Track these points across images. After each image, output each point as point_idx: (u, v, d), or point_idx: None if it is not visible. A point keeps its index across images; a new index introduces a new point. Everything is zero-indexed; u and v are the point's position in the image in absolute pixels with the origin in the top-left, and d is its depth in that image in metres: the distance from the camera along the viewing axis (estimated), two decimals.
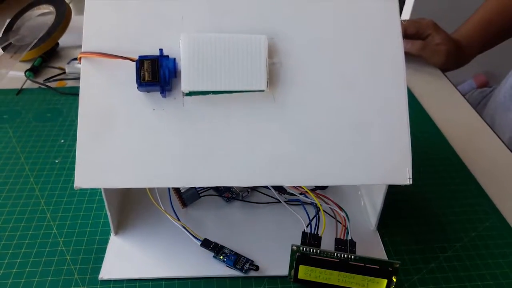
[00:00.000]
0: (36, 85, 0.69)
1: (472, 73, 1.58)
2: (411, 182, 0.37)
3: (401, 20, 0.41)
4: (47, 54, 0.74)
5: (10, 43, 0.73)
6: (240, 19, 0.38)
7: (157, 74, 0.35)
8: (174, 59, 0.37)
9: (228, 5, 0.39)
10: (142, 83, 0.35)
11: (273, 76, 0.38)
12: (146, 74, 0.35)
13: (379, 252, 0.43)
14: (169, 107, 0.37)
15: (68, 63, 0.71)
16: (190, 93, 0.37)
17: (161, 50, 0.37)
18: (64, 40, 0.76)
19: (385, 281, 0.38)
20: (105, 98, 0.37)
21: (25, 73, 0.70)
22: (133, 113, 0.37)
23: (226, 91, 0.37)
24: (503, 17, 0.77)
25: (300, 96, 0.38)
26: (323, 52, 0.39)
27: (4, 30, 0.77)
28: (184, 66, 0.36)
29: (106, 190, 0.40)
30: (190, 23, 0.38)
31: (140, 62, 0.36)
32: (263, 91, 0.38)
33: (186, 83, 0.36)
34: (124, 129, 0.37)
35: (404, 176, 0.38)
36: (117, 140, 0.37)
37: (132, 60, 0.36)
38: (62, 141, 0.57)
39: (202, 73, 0.36)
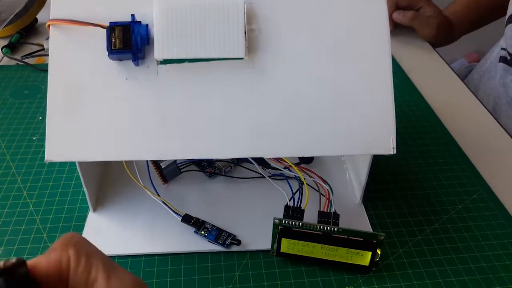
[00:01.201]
0: (13, 62, 0.67)
1: (464, 52, 1.57)
2: (395, 152, 0.36)
3: None
4: (25, 30, 0.72)
5: None
6: None
7: (128, 41, 0.34)
8: (147, 25, 0.35)
9: None
10: (113, 50, 0.34)
11: (252, 43, 0.36)
12: (117, 41, 0.34)
13: (364, 225, 0.43)
14: (143, 76, 0.35)
15: (47, 39, 0.69)
16: (165, 61, 0.35)
17: (133, 16, 0.35)
18: (43, 16, 0.74)
19: (370, 253, 0.37)
20: (75, 67, 0.36)
21: (1, 49, 0.67)
22: (105, 82, 0.35)
23: (202, 59, 0.35)
24: None
25: (281, 65, 0.37)
26: (304, 19, 0.37)
27: None
28: (157, 33, 0.34)
29: (81, 164, 0.39)
30: None
31: (111, 28, 0.34)
32: (241, 59, 0.36)
33: (159, 50, 0.34)
34: (96, 100, 0.35)
35: (388, 145, 0.37)
36: (89, 112, 0.35)
37: (102, 27, 0.34)
38: (40, 118, 0.56)
39: (176, 40, 0.34)
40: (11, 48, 0.68)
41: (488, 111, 0.59)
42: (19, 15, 0.70)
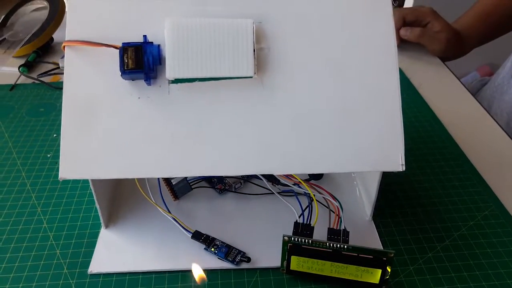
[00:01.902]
0: (30, 80, 0.68)
1: (476, 65, 1.56)
2: (403, 168, 0.36)
3: (393, 5, 0.40)
4: (42, 49, 0.74)
5: (4, 38, 0.73)
6: (226, 2, 0.37)
7: (141, 61, 0.34)
8: (159, 45, 0.36)
9: None
10: (126, 70, 0.35)
11: (261, 62, 0.37)
12: (130, 61, 0.34)
13: (374, 242, 0.42)
14: (155, 95, 0.36)
15: (62, 57, 0.70)
16: (176, 81, 0.36)
17: (145, 36, 0.36)
18: (58, 35, 0.76)
19: (379, 271, 0.37)
20: (89, 87, 0.37)
21: (19, 68, 0.69)
22: (118, 102, 0.36)
23: (212, 78, 0.36)
24: (501, 11, 0.77)
25: (290, 82, 0.37)
26: (312, 37, 0.38)
27: None
28: (168, 53, 0.35)
29: (94, 182, 0.39)
30: (175, 8, 0.37)
31: (124, 49, 0.35)
32: (251, 77, 0.37)
33: (170, 70, 0.35)
34: (109, 119, 0.36)
35: (396, 162, 0.37)
36: (102, 130, 0.36)
37: (115, 47, 0.35)
38: (55, 135, 0.57)
39: (187, 59, 0.35)
40: (28, 67, 0.70)
41: (500, 126, 0.59)
42: (36, 35, 0.72)
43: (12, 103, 0.63)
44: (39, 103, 0.63)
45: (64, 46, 0.37)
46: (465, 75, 1.51)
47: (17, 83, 0.68)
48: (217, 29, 0.36)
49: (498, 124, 0.60)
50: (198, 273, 0.39)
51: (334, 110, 0.37)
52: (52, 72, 0.70)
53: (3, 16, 0.78)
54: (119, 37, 0.36)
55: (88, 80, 0.37)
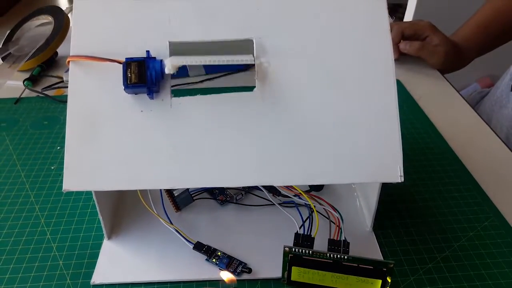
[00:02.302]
0: (34, 94, 0.69)
1: (477, 76, 1.57)
2: (402, 179, 0.37)
3: (392, 18, 0.40)
4: (46, 63, 0.75)
5: (10, 53, 0.74)
6: (227, 19, 0.38)
7: (144, 75, 0.35)
8: (161, 60, 0.37)
9: (215, 5, 0.39)
10: (129, 85, 0.35)
11: (261, 76, 0.38)
12: (133, 76, 0.35)
13: (374, 253, 0.43)
14: (157, 109, 0.37)
15: (66, 71, 0.71)
16: (178, 94, 0.37)
17: (148, 52, 0.37)
18: (62, 49, 0.77)
19: (380, 281, 0.37)
20: (93, 100, 0.37)
21: (23, 82, 0.70)
22: (121, 115, 0.37)
23: (213, 90, 0.37)
24: (499, 21, 0.77)
25: (289, 95, 0.38)
26: (311, 51, 0.39)
27: (4, 41, 0.78)
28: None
29: (97, 193, 0.40)
30: (178, 24, 0.38)
31: (127, 64, 0.36)
32: (251, 90, 0.37)
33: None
34: (112, 131, 0.37)
35: (395, 173, 0.37)
36: (105, 143, 0.37)
37: (119, 62, 0.36)
38: (59, 147, 0.58)
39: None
40: (32, 80, 0.71)
41: (500, 138, 0.60)
42: (40, 50, 0.73)
43: (16, 116, 0.64)
44: (43, 116, 0.64)
45: (68, 61, 0.38)
46: (466, 86, 1.52)
47: (21, 96, 0.69)
48: (219, 46, 0.37)
49: (497, 136, 0.60)
50: (227, 276, 0.39)
51: (333, 123, 0.38)
52: (56, 86, 0.71)
53: (8, 31, 0.79)
54: (122, 52, 0.37)
55: (91, 94, 0.37)
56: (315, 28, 0.39)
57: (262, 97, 0.38)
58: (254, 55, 0.37)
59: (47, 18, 0.78)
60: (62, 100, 0.67)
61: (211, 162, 0.37)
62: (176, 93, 0.37)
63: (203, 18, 0.38)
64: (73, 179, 0.37)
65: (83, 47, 0.38)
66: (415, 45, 0.72)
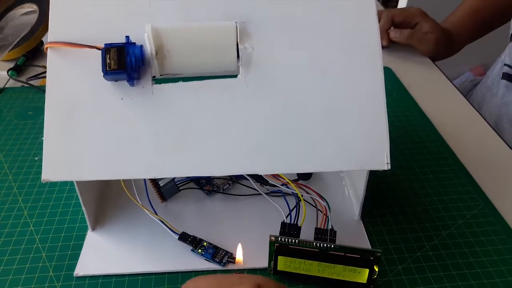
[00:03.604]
0: (19, 84, 0.68)
1: (470, 66, 1.56)
2: (389, 167, 0.36)
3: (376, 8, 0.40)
4: (31, 52, 0.73)
5: None
6: (210, 3, 0.37)
7: (123, 61, 0.34)
8: (141, 46, 0.36)
9: None
10: (108, 71, 0.34)
11: (245, 61, 0.37)
12: (112, 62, 0.34)
13: (363, 241, 0.42)
14: (138, 96, 0.36)
15: None
16: (159, 81, 0.36)
17: (127, 37, 0.35)
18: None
19: (367, 270, 0.37)
20: (72, 88, 0.36)
21: (8, 72, 0.69)
22: (101, 103, 0.36)
23: (197, 78, 0.36)
24: (489, 7, 0.77)
25: (274, 81, 0.37)
26: (296, 37, 0.38)
27: None
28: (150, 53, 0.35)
29: (79, 184, 0.39)
30: (158, 8, 0.37)
31: (106, 50, 0.35)
32: (235, 76, 0.36)
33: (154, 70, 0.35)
34: (92, 120, 0.36)
35: (382, 161, 0.36)
36: (85, 131, 0.36)
37: (98, 48, 0.35)
38: (42, 138, 0.56)
39: (171, 59, 0.35)
40: (17, 70, 0.70)
41: (490, 126, 0.59)
42: (25, 39, 0.71)
43: (0, 107, 0.63)
44: (27, 106, 0.63)
45: (46, 48, 0.37)
46: (459, 75, 1.51)
47: (6, 86, 0.67)
48: (200, 29, 0.36)
49: (488, 123, 0.60)
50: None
51: (319, 110, 0.37)
52: (41, 75, 0.69)
53: None
54: (102, 38, 0.36)
55: (71, 82, 0.36)
56: (300, 13, 0.38)
57: (246, 83, 0.37)
58: (238, 40, 0.36)
59: (31, 7, 0.76)
60: None
61: (195, 151, 0.36)
62: (158, 80, 0.36)
63: (184, 2, 0.37)
64: (52, 169, 0.36)
65: (61, 34, 0.37)
66: (405, 33, 0.72)
